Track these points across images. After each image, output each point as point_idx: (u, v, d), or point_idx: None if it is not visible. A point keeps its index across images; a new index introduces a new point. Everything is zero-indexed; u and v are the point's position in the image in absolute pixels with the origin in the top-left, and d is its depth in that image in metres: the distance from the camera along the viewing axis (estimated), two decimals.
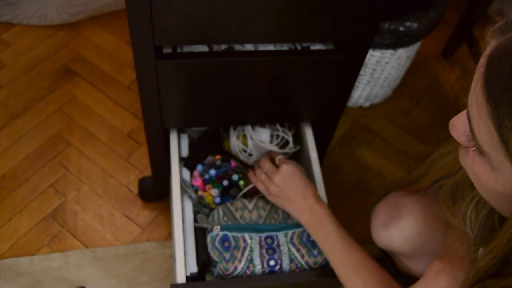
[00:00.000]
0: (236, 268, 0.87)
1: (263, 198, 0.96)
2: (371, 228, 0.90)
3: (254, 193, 0.99)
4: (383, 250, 1.01)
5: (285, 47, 0.87)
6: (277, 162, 0.94)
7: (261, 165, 0.95)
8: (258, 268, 0.87)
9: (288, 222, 0.93)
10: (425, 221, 0.81)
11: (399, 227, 0.83)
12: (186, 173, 1.02)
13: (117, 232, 1.21)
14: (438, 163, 0.78)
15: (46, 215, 1.22)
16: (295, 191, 0.88)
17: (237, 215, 0.92)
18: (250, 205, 0.94)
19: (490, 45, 0.42)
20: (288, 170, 0.90)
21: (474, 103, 0.42)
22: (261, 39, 0.79)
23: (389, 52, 1.26)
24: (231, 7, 0.72)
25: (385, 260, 1.04)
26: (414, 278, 0.88)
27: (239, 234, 0.89)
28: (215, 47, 0.86)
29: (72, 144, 1.33)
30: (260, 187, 0.93)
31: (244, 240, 0.88)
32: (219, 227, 0.89)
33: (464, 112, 0.48)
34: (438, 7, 1.23)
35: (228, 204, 0.94)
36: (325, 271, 0.89)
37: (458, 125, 0.48)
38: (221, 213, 0.93)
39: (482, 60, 0.42)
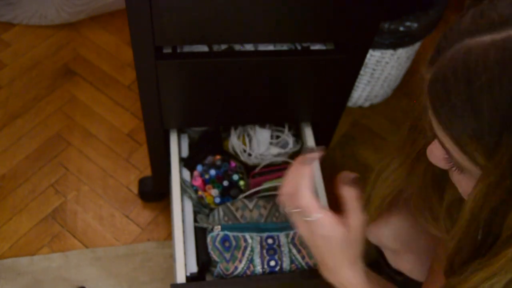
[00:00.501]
0: (236, 268, 0.87)
1: (263, 197, 0.96)
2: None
3: (254, 193, 0.99)
4: (377, 249, 1.01)
5: (285, 47, 0.87)
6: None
7: (300, 203, 0.68)
8: (259, 268, 0.87)
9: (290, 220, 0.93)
10: (412, 220, 0.81)
11: (388, 224, 0.83)
12: (186, 173, 1.02)
13: (117, 232, 1.21)
14: (380, 179, 0.74)
15: (46, 215, 1.22)
16: (331, 256, 0.70)
17: (238, 214, 0.92)
18: (251, 205, 0.94)
19: (426, 76, 0.48)
20: (321, 232, 0.68)
21: (435, 127, 0.46)
22: (261, 39, 0.79)
23: (389, 52, 1.26)
24: (231, 7, 0.72)
25: (379, 258, 1.04)
26: (405, 275, 0.89)
27: (239, 234, 0.89)
28: (215, 47, 0.86)
29: (72, 144, 1.33)
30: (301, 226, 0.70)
31: (245, 240, 0.88)
32: (219, 227, 0.89)
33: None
34: (438, 7, 1.23)
35: (229, 204, 0.94)
36: None
37: (435, 151, 0.50)
38: (221, 213, 0.93)
39: (425, 91, 0.48)
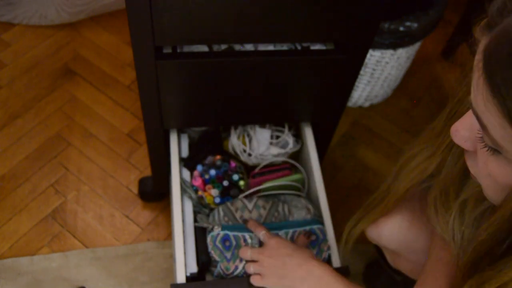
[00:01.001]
0: (237, 267, 0.87)
1: (263, 197, 0.96)
2: None
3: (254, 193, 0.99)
4: (377, 249, 1.02)
5: (285, 47, 0.87)
6: (261, 239, 0.86)
7: (243, 257, 0.86)
8: None
9: (289, 219, 0.93)
10: (412, 221, 0.81)
11: (387, 224, 0.83)
12: (186, 173, 1.02)
13: (117, 232, 1.21)
14: (405, 169, 0.72)
15: (46, 215, 1.22)
16: (286, 263, 0.79)
17: (237, 215, 0.92)
18: (250, 205, 0.94)
19: (482, 41, 0.44)
20: (272, 244, 0.82)
21: (480, 100, 0.42)
22: (261, 39, 0.79)
23: (389, 52, 1.26)
24: (231, 7, 0.72)
25: (379, 258, 1.05)
26: (405, 275, 0.89)
27: (239, 234, 0.89)
28: (215, 47, 0.86)
29: (72, 144, 1.33)
30: (256, 279, 0.82)
31: (245, 240, 0.88)
32: (219, 227, 0.89)
33: (466, 117, 0.48)
34: (438, 7, 1.23)
35: (229, 204, 0.94)
36: None
37: (461, 131, 0.48)
38: (221, 213, 0.93)
39: (478, 57, 0.43)
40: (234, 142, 1.03)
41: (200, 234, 0.94)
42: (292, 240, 0.90)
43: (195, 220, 0.96)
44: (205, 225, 0.92)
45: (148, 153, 1.02)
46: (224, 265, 0.87)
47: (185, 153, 1.05)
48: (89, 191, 1.26)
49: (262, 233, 0.86)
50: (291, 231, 0.90)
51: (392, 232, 0.83)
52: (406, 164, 0.72)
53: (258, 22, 0.75)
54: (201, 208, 0.98)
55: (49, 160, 1.30)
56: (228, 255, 0.87)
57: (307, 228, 0.90)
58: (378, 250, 1.02)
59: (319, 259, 0.80)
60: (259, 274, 0.82)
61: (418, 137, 0.70)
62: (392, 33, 1.20)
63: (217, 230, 0.89)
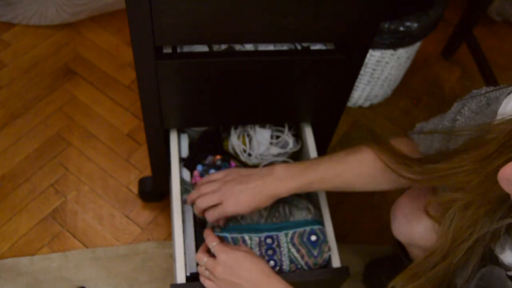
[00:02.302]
0: None
1: None
2: (392, 219, 0.86)
3: None
4: (399, 245, 0.99)
5: (285, 47, 0.87)
6: (212, 250, 0.83)
7: (198, 261, 0.83)
8: None
9: (290, 219, 0.93)
10: None
11: (421, 219, 0.81)
12: (186, 173, 1.02)
13: (117, 232, 1.21)
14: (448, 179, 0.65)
15: (46, 215, 1.22)
16: (243, 281, 0.77)
17: (238, 216, 0.92)
18: None
19: None
20: (223, 260, 0.79)
21: None
22: (261, 39, 0.79)
23: (389, 52, 1.26)
24: (231, 7, 0.72)
25: (399, 256, 1.02)
26: None
27: (238, 235, 0.89)
28: (215, 47, 0.86)
29: (72, 144, 1.33)
30: (209, 285, 0.81)
31: (244, 241, 0.88)
32: (219, 228, 0.89)
33: None
34: (438, 7, 1.23)
35: None
36: (325, 271, 0.89)
37: None
38: None
39: None
40: (234, 142, 1.03)
41: (200, 234, 0.94)
42: (292, 240, 0.90)
43: (195, 221, 0.96)
44: (209, 225, 0.92)
45: (148, 153, 1.02)
46: None
47: (185, 153, 1.05)
48: (89, 191, 1.26)
49: (212, 245, 0.83)
50: (290, 232, 0.90)
51: (426, 226, 0.79)
52: (452, 176, 0.64)
53: (258, 22, 0.75)
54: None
55: (49, 160, 1.30)
56: None
57: (307, 228, 0.90)
58: (400, 246, 0.98)
59: (274, 274, 0.78)
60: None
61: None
62: (392, 33, 1.20)
63: (217, 230, 0.89)
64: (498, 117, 0.61)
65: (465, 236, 0.62)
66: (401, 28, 1.19)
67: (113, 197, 1.26)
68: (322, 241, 0.90)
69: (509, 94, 0.63)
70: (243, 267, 0.78)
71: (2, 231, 1.19)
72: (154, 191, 1.21)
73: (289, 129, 1.06)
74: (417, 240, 0.83)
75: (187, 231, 0.93)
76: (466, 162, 0.60)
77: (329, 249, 0.90)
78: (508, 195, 0.46)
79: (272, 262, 0.87)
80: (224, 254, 0.80)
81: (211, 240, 0.84)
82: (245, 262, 0.79)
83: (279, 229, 0.91)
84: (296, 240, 0.90)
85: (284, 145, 1.05)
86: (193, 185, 0.99)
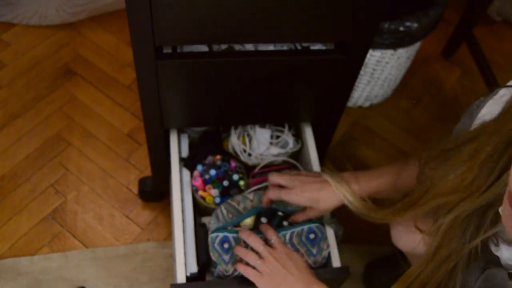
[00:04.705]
0: (236, 269, 0.86)
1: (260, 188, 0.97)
2: (391, 228, 0.85)
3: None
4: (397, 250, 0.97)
5: (285, 47, 0.87)
6: (271, 241, 0.85)
7: (254, 246, 0.84)
8: None
9: (288, 208, 0.93)
10: None
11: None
12: (186, 173, 1.02)
13: (117, 232, 1.21)
14: (441, 182, 0.65)
15: (46, 215, 1.22)
16: (287, 275, 0.80)
17: (240, 207, 0.93)
18: (250, 195, 0.95)
19: None
20: (284, 251, 0.83)
21: None
22: (261, 39, 0.79)
23: (389, 52, 1.26)
24: (230, 7, 0.72)
25: (398, 257, 1.00)
26: None
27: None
28: (215, 47, 0.86)
29: (72, 144, 1.33)
30: (250, 273, 0.82)
31: (245, 241, 0.88)
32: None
33: None
34: (438, 7, 1.23)
35: (229, 200, 0.94)
36: (325, 271, 0.89)
37: None
38: (224, 211, 0.93)
39: None
40: (234, 142, 1.03)
41: (201, 233, 0.94)
42: (291, 240, 0.90)
43: (196, 221, 0.96)
44: (215, 225, 0.92)
45: (148, 153, 1.02)
46: (222, 267, 0.86)
47: (185, 153, 1.05)
48: (89, 191, 1.26)
49: (273, 238, 0.85)
50: (288, 232, 0.90)
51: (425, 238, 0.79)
52: (444, 177, 0.64)
53: (258, 22, 0.75)
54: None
55: (49, 160, 1.30)
56: (227, 258, 0.87)
57: (305, 227, 0.90)
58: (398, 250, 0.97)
59: (322, 285, 0.79)
60: (258, 271, 0.81)
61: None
62: (392, 33, 1.20)
63: (219, 231, 0.89)
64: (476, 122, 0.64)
65: (454, 245, 0.63)
66: (401, 28, 1.19)
67: (113, 197, 1.26)
68: (320, 238, 0.90)
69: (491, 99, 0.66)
70: (298, 263, 0.82)
71: (2, 231, 1.19)
72: (154, 191, 1.21)
73: (289, 129, 1.06)
74: (417, 249, 0.82)
75: (187, 231, 0.93)
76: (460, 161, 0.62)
77: (328, 247, 0.90)
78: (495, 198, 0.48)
79: None
80: (284, 247, 0.84)
81: (271, 234, 0.86)
82: (299, 259, 0.83)
83: (278, 230, 0.91)
84: (295, 240, 0.89)
85: (284, 145, 1.05)
86: (193, 185, 0.98)
